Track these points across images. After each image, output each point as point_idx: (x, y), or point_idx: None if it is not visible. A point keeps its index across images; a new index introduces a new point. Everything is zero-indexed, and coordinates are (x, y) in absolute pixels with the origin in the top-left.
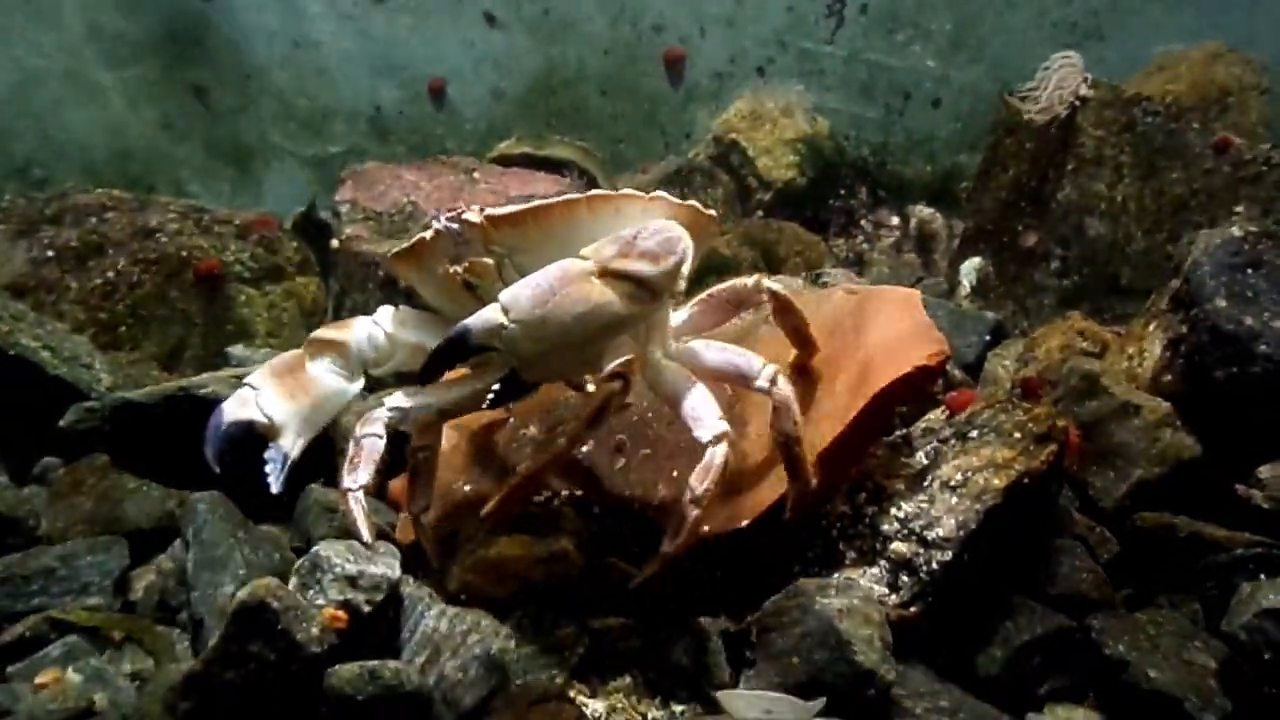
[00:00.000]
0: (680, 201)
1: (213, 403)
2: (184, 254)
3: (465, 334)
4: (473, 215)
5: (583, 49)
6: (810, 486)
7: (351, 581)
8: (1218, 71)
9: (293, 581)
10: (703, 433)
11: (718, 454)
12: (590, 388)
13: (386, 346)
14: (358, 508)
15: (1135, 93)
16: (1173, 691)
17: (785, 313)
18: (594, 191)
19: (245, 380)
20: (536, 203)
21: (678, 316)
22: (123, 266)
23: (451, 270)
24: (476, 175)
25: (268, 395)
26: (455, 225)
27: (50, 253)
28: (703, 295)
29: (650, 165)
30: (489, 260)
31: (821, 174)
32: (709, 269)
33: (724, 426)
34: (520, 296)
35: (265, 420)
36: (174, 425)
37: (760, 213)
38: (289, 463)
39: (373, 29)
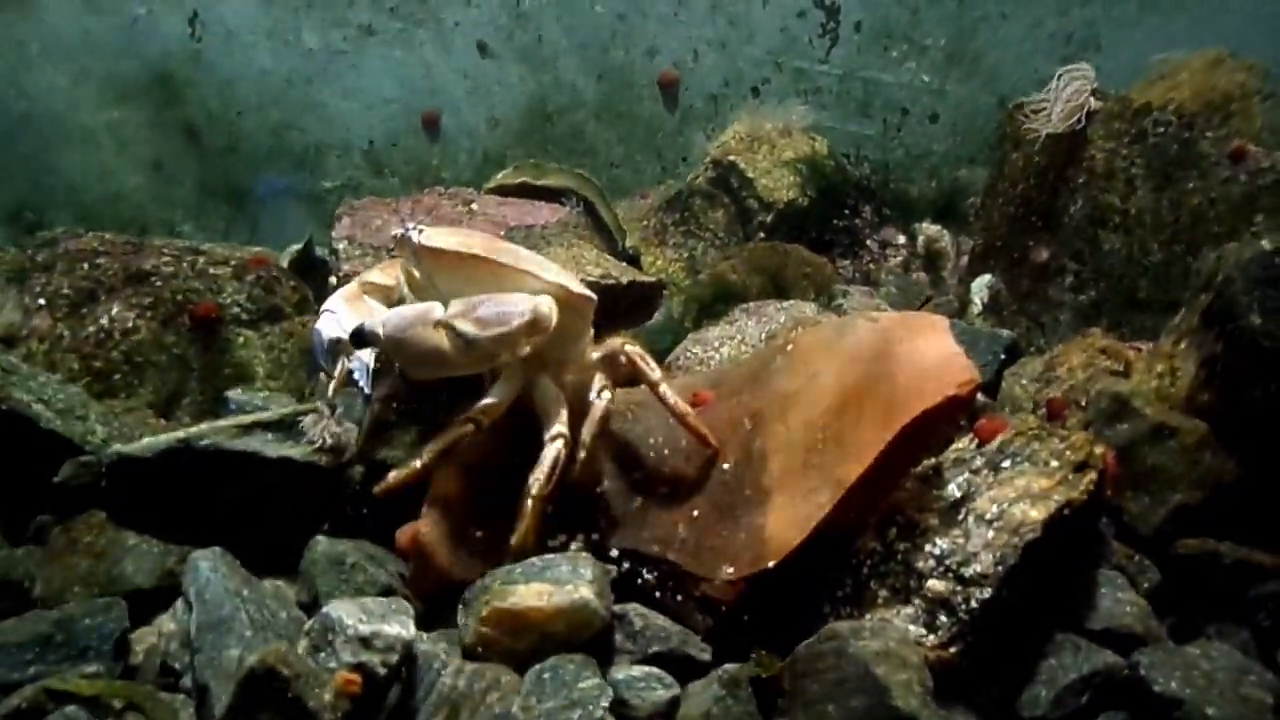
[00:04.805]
0: (553, 280)
1: (213, 454)
2: (179, 297)
3: (360, 330)
4: (414, 235)
5: (576, 75)
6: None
7: (365, 643)
8: (1220, 78)
9: (303, 644)
10: (546, 434)
11: (550, 450)
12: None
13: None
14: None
15: (1145, 103)
16: None
17: (638, 375)
18: (484, 254)
19: (325, 306)
20: (451, 247)
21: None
22: (116, 312)
23: (405, 267)
24: (475, 206)
25: (347, 317)
26: (403, 237)
27: (42, 301)
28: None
29: (649, 190)
30: (417, 273)
31: (823, 194)
32: (719, 297)
33: (563, 430)
34: (390, 320)
35: (348, 336)
36: (174, 479)
37: (762, 235)
38: (370, 369)
39: (365, 62)
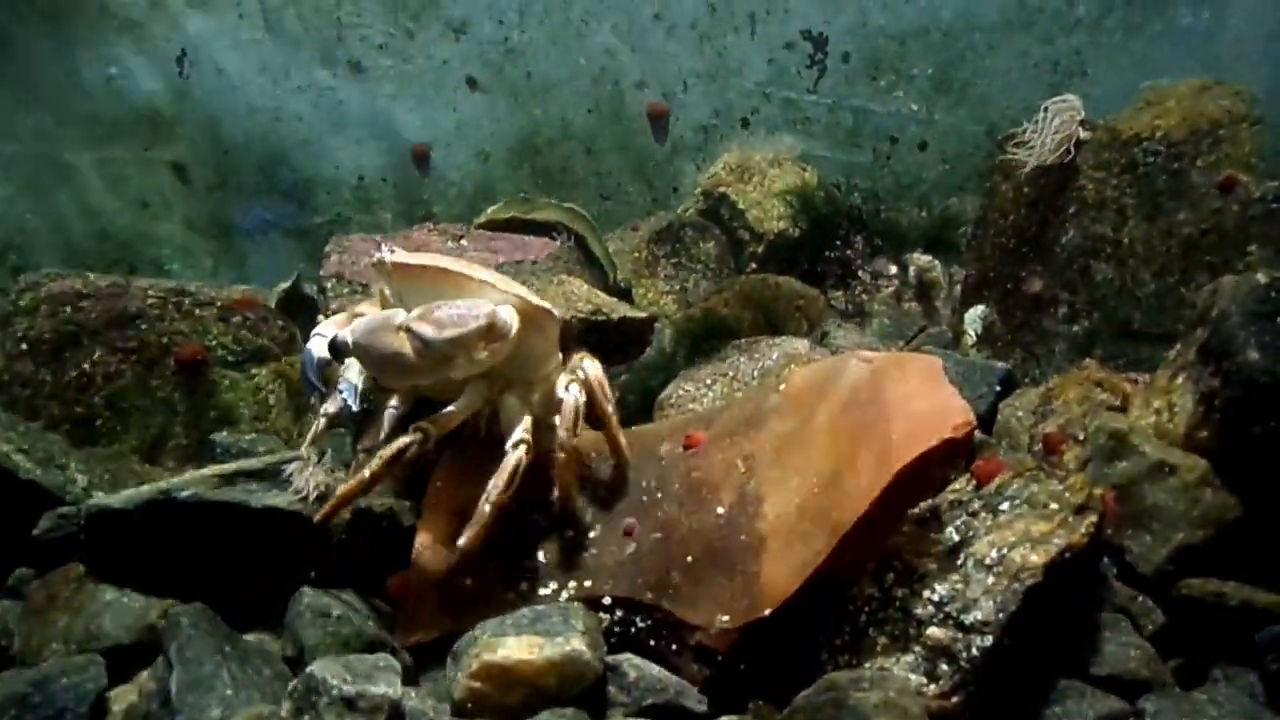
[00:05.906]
0: (513, 292)
1: (196, 505)
2: (164, 340)
3: (333, 341)
4: (386, 255)
5: (566, 108)
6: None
7: (349, 704)
8: (1207, 104)
9: (286, 706)
10: (509, 442)
11: (511, 457)
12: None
13: None
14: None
15: (1134, 132)
16: None
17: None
18: (449, 266)
19: (316, 331)
20: (419, 262)
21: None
22: (99, 357)
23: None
24: (465, 241)
25: None
26: (378, 261)
27: (24, 346)
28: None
29: (640, 222)
30: (389, 293)
31: (815, 224)
32: (710, 332)
33: (525, 437)
34: (358, 327)
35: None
36: (155, 531)
37: (754, 266)
38: (358, 389)
39: (354, 98)
